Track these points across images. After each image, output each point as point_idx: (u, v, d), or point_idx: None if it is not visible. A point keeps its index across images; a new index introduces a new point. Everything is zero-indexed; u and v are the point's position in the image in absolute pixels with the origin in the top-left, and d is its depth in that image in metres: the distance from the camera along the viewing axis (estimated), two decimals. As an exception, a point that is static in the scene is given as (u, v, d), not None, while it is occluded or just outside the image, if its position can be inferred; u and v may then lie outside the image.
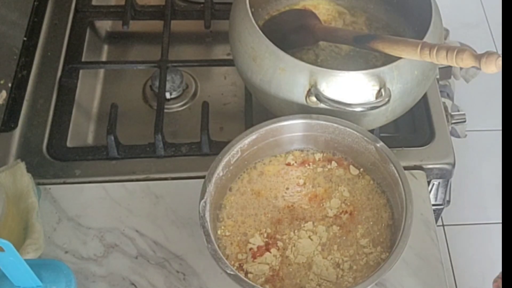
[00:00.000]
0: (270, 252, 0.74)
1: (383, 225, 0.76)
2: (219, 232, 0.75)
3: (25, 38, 1.01)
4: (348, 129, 0.77)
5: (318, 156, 0.81)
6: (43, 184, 0.85)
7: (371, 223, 0.76)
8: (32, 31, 1.02)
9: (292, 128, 0.79)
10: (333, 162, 0.80)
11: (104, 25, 1.10)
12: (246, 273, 0.72)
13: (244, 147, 0.77)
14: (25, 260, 0.66)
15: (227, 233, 0.75)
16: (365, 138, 0.77)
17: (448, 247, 1.67)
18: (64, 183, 0.86)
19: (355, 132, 0.77)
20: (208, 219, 0.71)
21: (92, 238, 0.81)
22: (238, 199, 0.78)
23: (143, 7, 1.07)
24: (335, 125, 0.78)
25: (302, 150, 0.81)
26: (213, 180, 0.74)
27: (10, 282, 0.68)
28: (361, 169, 0.80)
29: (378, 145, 0.76)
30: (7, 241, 0.62)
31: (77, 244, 0.80)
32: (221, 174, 0.75)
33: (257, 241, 0.74)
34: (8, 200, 0.75)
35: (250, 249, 0.74)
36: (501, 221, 1.61)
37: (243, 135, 0.77)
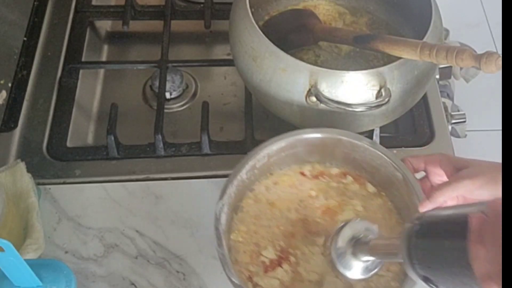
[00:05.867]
0: (282, 267, 0.72)
1: None
2: (232, 236, 0.74)
3: (25, 38, 1.01)
4: (377, 152, 0.75)
5: (335, 171, 0.79)
6: (43, 184, 0.85)
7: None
8: (32, 31, 1.02)
9: (321, 140, 0.76)
10: (348, 176, 0.78)
11: (104, 25, 1.10)
12: (255, 286, 0.70)
13: (272, 153, 0.75)
14: (25, 260, 0.66)
15: (240, 239, 0.74)
16: (394, 164, 0.74)
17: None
18: (64, 183, 0.86)
19: (384, 156, 0.74)
20: (223, 221, 0.69)
21: (92, 238, 0.81)
22: (253, 206, 0.76)
23: (143, 7, 1.07)
24: (365, 145, 0.75)
25: (320, 163, 0.79)
26: (235, 182, 0.72)
27: (10, 282, 0.68)
28: (379, 188, 0.77)
29: (407, 175, 0.72)
30: (7, 241, 0.62)
31: (77, 244, 0.80)
32: (244, 177, 0.73)
33: (270, 254, 0.73)
34: (8, 200, 0.75)
35: (263, 262, 0.72)
36: (501, 221, 1.61)
37: (272, 141, 0.75)
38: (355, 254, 0.65)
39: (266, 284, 0.70)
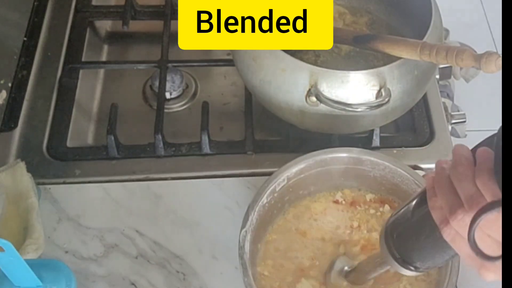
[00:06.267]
0: None
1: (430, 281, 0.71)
2: (259, 269, 0.72)
3: (25, 38, 1.01)
4: (398, 169, 0.74)
5: (369, 196, 0.78)
6: (43, 184, 0.85)
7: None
8: (32, 31, 1.02)
9: (341, 160, 0.76)
10: (386, 205, 0.77)
11: (104, 25, 1.10)
12: None
13: (291, 175, 0.74)
14: (25, 260, 0.66)
15: (266, 273, 0.72)
16: (416, 181, 0.73)
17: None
18: (64, 183, 0.86)
19: (405, 174, 0.74)
20: (247, 249, 0.68)
21: (92, 238, 0.81)
22: (281, 238, 0.75)
23: (143, 7, 1.07)
24: (386, 163, 0.75)
25: (351, 188, 0.78)
26: (257, 208, 0.71)
27: (10, 282, 0.68)
28: None
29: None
30: (7, 241, 0.62)
31: (77, 244, 0.80)
32: (265, 201, 0.72)
33: (305, 286, 0.71)
34: (8, 200, 0.75)
35: None
36: (501, 221, 1.61)
37: (291, 164, 0.74)
38: (350, 282, 0.69)
39: None
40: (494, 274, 0.47)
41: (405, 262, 0.57)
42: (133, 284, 0.78)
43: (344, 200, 0.78)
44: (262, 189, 0.72)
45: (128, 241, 0.81)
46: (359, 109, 0.77)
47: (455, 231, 0.48)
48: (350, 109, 0.77)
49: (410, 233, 0.55)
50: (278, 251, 0.74)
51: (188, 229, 0.82)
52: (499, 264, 0.44)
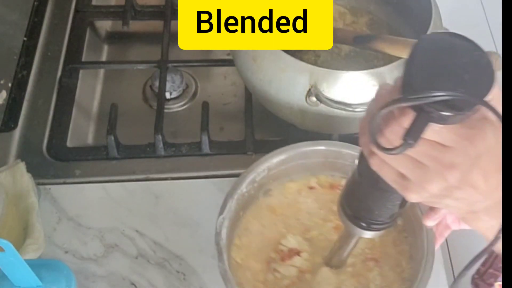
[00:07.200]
0: (300, 256, 0.71)
1: (401, 274, 0.72)
2: (232, 254, 0.73)
3: (25, 38, 1.01)
4: None
5: (344, 181, 0.77)
6: (43, 184, 0.85)
7: (390, 271, 0.72)
8: (32, 31, 1.02)
9: (322, 153, 0.76)
10: None
11: (104, 25, 1.10)
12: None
13: (272, 166, 0.75)
14: (25, 260, 0.66)
15: (238, 260, 0.73)
16: None
17: (448, 247, 1.66)
18: (64, 183, 0.86)
19: None
20: (224, 236, 0.68)
21: (92, 238, 0.81)
22: (254, 218, 0.75)
23: (143, 7, 1.07)
24: None
25: (327, 175, 0.78)
26: (236, 196, 0.71)
27: (10, 282, 0.68)
28: None
29: None
30: (7, 241, 0.62)
31: (77, 244, 0.80)
32: (244, 190, 0.73)
33: (290, 243, 0.72)
34: (8, 200, 0.75)
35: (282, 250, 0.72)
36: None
37: (272, 154, 0.74)
38: (330, 266, 0.71)
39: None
40: (415, 195, 0.48)
41: (356, 218, 0.58)
42: (133, 284, 0.78)
43: (320, 185, 0.78)
44: (242, 177, 0.73)
45: (128, 241, 0.81)
46: (359, 109, 0.78)
47: (379, 159, 0.49)
48: (350, 109, 0.77)
49: (354, 186, 0.57)
50: (249, 231, 0.75)
51: (188, 229, 0.82)
52: (395, 157, 0.47)
